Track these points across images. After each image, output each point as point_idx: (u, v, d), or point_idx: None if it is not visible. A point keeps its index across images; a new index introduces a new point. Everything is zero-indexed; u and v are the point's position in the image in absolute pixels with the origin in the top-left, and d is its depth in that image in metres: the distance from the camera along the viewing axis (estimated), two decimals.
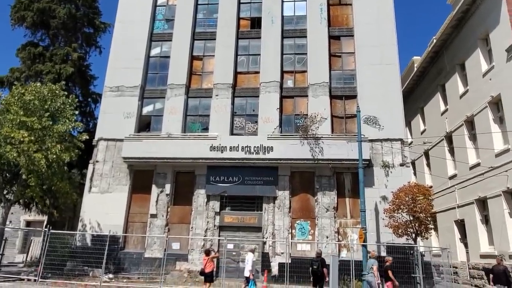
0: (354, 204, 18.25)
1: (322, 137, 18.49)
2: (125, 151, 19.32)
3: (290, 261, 17.40)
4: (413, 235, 14.39)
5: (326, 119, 19.42)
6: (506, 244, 19.61)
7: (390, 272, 12.12)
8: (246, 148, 18.72)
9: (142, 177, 19.86)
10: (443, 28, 26.15)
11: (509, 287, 12.20)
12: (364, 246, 15.31)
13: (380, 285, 11.82)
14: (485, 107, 21.79)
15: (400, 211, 14.35)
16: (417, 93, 33.08)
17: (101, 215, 18.91)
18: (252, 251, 12.90)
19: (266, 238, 18.05)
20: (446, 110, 27.19)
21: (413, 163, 33.83)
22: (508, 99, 19.81)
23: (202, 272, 11.65)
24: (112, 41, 22.29)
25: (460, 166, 24.44)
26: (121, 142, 19.75)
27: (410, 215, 14.14)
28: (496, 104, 21.23)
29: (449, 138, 26.55)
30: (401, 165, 18.41)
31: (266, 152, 18.54)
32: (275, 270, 17.57)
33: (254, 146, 18.68)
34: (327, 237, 17.84)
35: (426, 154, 30.43)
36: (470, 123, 23.75)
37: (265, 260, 17.83)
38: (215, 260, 12.80)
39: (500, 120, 20.84)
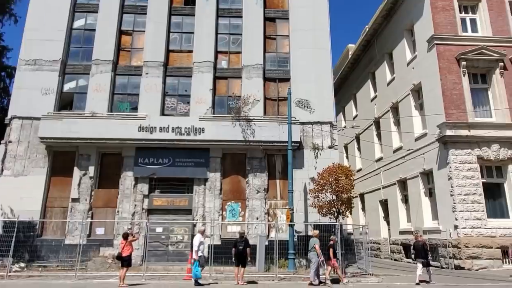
0: (285, 186, 18.57)
1: (254, 119, 18.47)
2: (43, 130, 17.74)
3: (220, 243, 17.44)
4: (336, 214, 15.01)
5: (259, 101, 19.41)
6: (421, 221, 21.35)
7: (331, 251, 12.59)
8: (176, 129, 18.13)
9: (62, 158, 18.45)
10: (374, 18, 27.22)
11: (426, 259, 13.26)
12: (291, 226, 15.70)
13: (323, 263, 12.14)
14: (408, 94, 23.23)
15: (324, 191, 14.86)
16: (351, 80, 34.42)
17: (15, 200, 17.29)
18: (201, 232, 12.50)
19: (196, 221, 17.81)
20: (375, 97, 28.62)
21: (346, 147, 35.51)
22: (427, 87, 21.25)
23: (119, 256, 11.13)
24: (28, 9, 20.12)
25: (386, 150, 26.01)
26: (39, 121, 18.09)
27: (333, 195, 14.70)
28: (417, 92, 22.70)
29: (377, 123, 28.07)
30: (330, 147, 19.03)
31: (197, 133, 18.11)
32: (205, 252, 17.39)
33: (185, 127, 18.15)
34: (257, 218, 18.05)
35: (357, 138, 31.99)
36: (395, 109, 25.23)
37: None
38: (134, 243, 12.26)
39: (420, 107, 22.35)
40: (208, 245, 17.52)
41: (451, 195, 18.52)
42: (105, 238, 17.40)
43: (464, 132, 19.09)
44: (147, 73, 19.57)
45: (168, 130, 18.07)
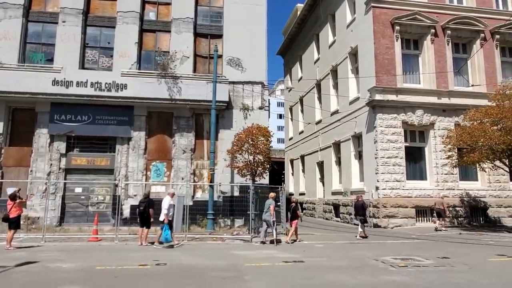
0: None
1: (181, 77, 17.60)
2: None
3: None
4: (252, 175, 14.95)
5: (188, 57, 18.44)
6: (350, 182, 22.11)
7: (298, 212, 13.17)
8: (96, 84, 16.89)
9: None
10: None
11: (364, 217, 14.49)
12: (211, 187, 15.56)
13: (275, 223, 12.30)
14: (346, 58, 23.17)
15: (242, 152, 14.64)
16: (298, 41, 33.86)
17: None
18: (171, 194, 11.93)
19: (118, 181, 17.18)
20: (318, 59, 28.41)
21: (291, 109, 35.66)
22: (362, 51, 21.21)
23: (5, 218, 10.42)
24: None
25: (325, 113, 26.26)
26: None
27: (250, 156, 14.53)
28: (354, 55, 22.66)
29: (318, 86, 28.08)
30: (260, 108, 18.73)
31: (119, 89, 17.02)
32: (126, 212, 17.05)
33: (106, 83, 16.96)
34: (182, 179, 17.71)
35: (301, 100, 32.05)
36: (334, 72, 25.21)
37: (115, 203, 17.08)
38: (23, 205, 11.52)
39: (357, 71, 22.42)
40: (131, 205, 17.22)
41: (375, 158, 19.15)
42: None
43: (391, 97, 19.46)
44: (64, 21, 17.80)
45: (87, 85, 16.80)
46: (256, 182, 14.84)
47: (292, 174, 34.67)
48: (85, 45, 18.12)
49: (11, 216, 10.25)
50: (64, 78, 16.69)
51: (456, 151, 17.75)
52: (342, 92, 23.69)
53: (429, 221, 18.96)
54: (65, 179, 16.96)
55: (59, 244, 11.41)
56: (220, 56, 18.88)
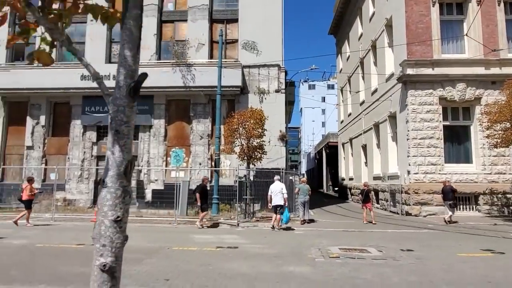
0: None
1: (195, 64, 17.84)
2: None
3: (163, 188, 17.96)
4: (247, 159, 14.54)
5: (204, 44, 18.60)
6: (387, 166, 20.46)
7: (370, 195, 15.04)
8: None
9: (17, 108, 19.25)
10: None
11: (454, 201, 14.29)
12: (216, 172, 15.65)
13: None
14: (383, 31, 21.17)
15: (234, 136, 14.28)
16: (346, 17, 31.84)
17: None
18: (279, 180, 12.48)
19: (142, 166, 18.26)
20: (361, 35, 26.43)
21: (341, 90, 33.99)
22: (396, 21, 19.20)
23: (19, 199, 11.96)
24: None
25: (368, 92, 24.46)
26: None
27: (243, 140, 14.12)
28: (390, 27, 20.57)
29: (362, 64, 26.17)
30: (277, 91, 18.16)
31: None
32: (148, 196, 18.08)
33: None
34: (200, 164, 18.13)
35: (349, 81, 30.32)
36: (374, 48, 23.22)
37: (139, 187, 18.25)
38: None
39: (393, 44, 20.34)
40: (152, 189, 18.22)
41: (407, 139, 17.37)
42: (58, 183, 18.29)
43: (427, 71, 17.33)
44: (91, 20, 19.17)
45: (110, 78, 17.96)
46: (257, 166, 14.53)
47: (344, 158, 33.20)
48: (111, 40, 19.38)
49: (23, 198, 11.68)
50: None
51: (500, 129, 15.06)
52: (380, 69, 21.82)
53: (473, 209, 16.70)
54: (97, 165, 18.55)
55: (61, 223, 12.61)
56: (236, 41, 18.69)
